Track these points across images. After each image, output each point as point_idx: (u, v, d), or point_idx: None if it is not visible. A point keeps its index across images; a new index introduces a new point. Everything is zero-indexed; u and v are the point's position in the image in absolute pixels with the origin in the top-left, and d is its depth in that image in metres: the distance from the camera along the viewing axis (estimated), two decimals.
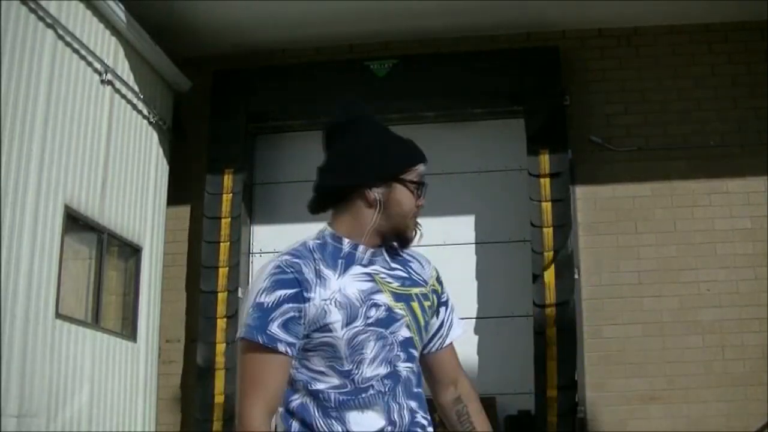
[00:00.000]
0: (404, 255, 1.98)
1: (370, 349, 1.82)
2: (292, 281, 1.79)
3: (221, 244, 6.44)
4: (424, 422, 1.89)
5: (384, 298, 1.85)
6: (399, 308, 1.87)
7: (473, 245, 6.55)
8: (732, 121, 6.43)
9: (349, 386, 1.81)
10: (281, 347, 1.76)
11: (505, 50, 6.70)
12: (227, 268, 6.39)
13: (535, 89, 6.46)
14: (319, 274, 1.82)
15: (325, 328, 1.79)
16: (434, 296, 1.99)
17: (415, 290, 1.92)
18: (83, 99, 5.45)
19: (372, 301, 1.84)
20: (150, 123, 6.44)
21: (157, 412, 6.32)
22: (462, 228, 6.54)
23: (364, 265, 1.87)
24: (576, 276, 6.17)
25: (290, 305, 1.78)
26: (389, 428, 1.81)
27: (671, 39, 6.65)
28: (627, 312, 6.13)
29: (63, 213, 5.11)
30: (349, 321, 1.79)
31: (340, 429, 1.78)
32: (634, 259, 6.22)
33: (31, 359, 4.66)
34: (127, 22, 5.84)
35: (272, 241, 6.73)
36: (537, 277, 6.06)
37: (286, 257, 1.84)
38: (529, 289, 6.12)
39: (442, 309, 2.03)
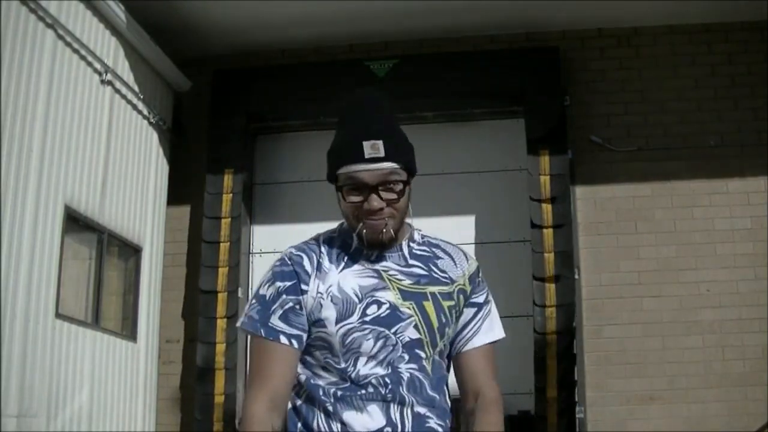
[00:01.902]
0: (435, 251, 1.89)
1: (368, 348, 1.75)
2: (291, 273, 1.79)
3: (221, 244, 6.44)
4: (438, 429, 1.79)
5: (388, 296, 1.78)
6: (406, 307, 1.78)
7: (473, 245, 6.54)
8: (732, 121, 6.43)
9: (346, 383, 1.75)
10: (283, 339, 1.75)
11: (505, 50, 6.70)
12: (227, 268, 6.39)
13: (535, 89, 6.46)
14: (319, 267, 1.79)
15: (320, 322, 1.76)
16: (461, 296, 1.87)
17: (433, 288, 1.82)
18: (83, 99, 5.45)
19: (373, 298, 1.77)
20: (150, 123, 6.44)
21: (157, 412, 6.32)
22: (462, 228, 6.54)
23: (372, 261, 1.81)
24: (576, 276, 6.17)
25: (288, 297, 1.77)
26: (388, 430, 1.73)
27: (671, 39, 6.65)
28: (627, 312, 6.13)
29: (63, 213, 5.11)
30: (343, 317, 1.74)
31: (338, 429, 1.73)
32: (634, 259, 6.22)
33: (31, 359, 4.66)
34: (127, 22, 5.84)
35: (272, 241, 6.73)
36: (537, 277, 6.06)
37: (291, 250, 1.84)
38: (529, 289, 6.12)
39: (469, 310, 1.90)
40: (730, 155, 6.35)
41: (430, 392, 1.79)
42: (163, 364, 6.45)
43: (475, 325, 1.89)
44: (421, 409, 1.76)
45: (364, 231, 1.76)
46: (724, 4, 6.32)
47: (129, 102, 6.12)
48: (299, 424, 1.77)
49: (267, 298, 1.79)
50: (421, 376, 1.78)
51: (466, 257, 1.93)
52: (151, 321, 6.31)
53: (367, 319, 1.75)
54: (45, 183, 4.93)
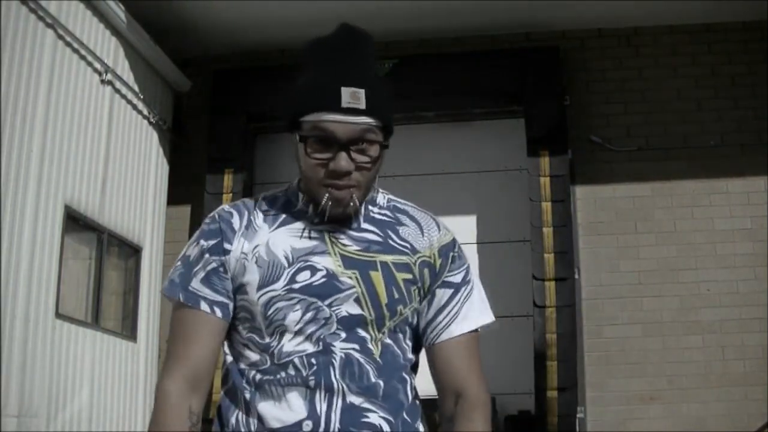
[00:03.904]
0: (400, 217, 1.58)
1: (294, 321, 1.45)
2: (216, 231, 1.52)
3: None
4: (382, 424, 1.45)
5: (326, 262, 1.47)
6: (347, 276, 1.47)
7: (473, 245, 6.54)
8: (732, 121, 6.43)
9: (267, 362, 1.46)
10: (204, 306, 1.48)
11: (505, 50, 6.70)
12: None
13: (535, 89, 6.46)
14: (249, 225, 1.52)
15: (242, 288, 1.48)
16: (425, 270, 1.53)
17: (385, 257, 1.50)
18: (83, 99, 5.45)
19: (306, 263, 1.47)
20: (150, 123, 6.44)
21: None
22: (462, 228, 6.54)
23: (315, 223, 1.52)
24: (576, 276, 6.17)
25: (211, 257, 1.49)
26: (308, 423, 1.41)
27: (671, 39, 6.65)
28: (627, 312, 6.13)
29: (63, 213, 5.10)
30: (266, 282, 1.46)
31: (254, 426, 1.45)
32: (634, 259, 6.22)
33: (31, 359, 4.66)
34: (127, 22, 5.84)
35: None
36: (537, 277, 6.06)
37: (222, 207, 1.58)
38: (529, 290, 6.12)
39: (443, 291, 1.56)
40: (730, 155, 6.34)
41: (372, 379, 1.46)
42: (163, 364, 6.45)
43: (451, 309, 1.55)
44: (356, 399, 1.44)
45: (329, 202, 1.46)
46: (724, 4, 6.32)
47: (129, 102, 6.12)
48: (217, 424, 1.53)
49: (190, 258, 1.52)
50: (361, 359, 1.46)
51: (438, 227, 1.60)
52: (151, 321, 6.30)
53: (296, 286, 1.46)
54: (45, 183, 4.93)
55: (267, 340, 1.47)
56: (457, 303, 1.56)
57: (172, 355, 1.50)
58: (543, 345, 5.91)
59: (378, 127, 1.47)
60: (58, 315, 4.97)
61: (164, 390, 1.46)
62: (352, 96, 1.43)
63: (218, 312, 1.49)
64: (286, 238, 1.50)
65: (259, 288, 1.46)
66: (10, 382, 4.44)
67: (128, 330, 6.03)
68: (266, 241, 1.50)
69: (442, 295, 1.56)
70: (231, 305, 1.50)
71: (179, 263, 1.54)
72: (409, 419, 1.51)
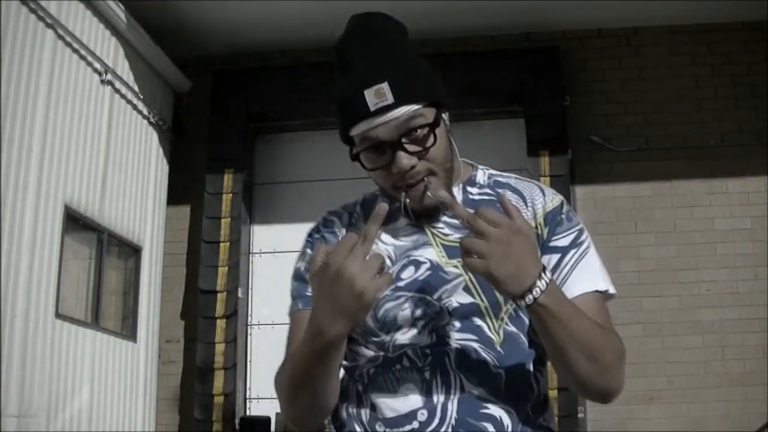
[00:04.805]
0: (502, 192, 1.48)
1: (405, 319, 1.40)
2: (320, 240, 1.51)
3: (221, 244, 6.44)
4: (502, 416, 1.35)
5: (430, 254, 1.43)
6: (452, 266, 1.41)
7: None
8: (732, 121, 6.43)
9: (381, 357, 1.41)
10: None
11: (505, 50, 6.70)
12: (227, 268, 6.39)
13: (535, 89, 6.46)
14: (351, 226, 1.52)
15: None
16: (534, 244, 1.35)
17: None
18: (83, 99, 5.45)
19: (410, 258, 1.43)
20: (150, 123, 6.44)
21: (157, 412, 6.32)
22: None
23: (411, 219, 1.47)
24: None
25: None
26: (423, 413, 1.34)
27: (671, 39, 6.65)
28: (627, 312, 6.13)
29: (63, 213, 5.10)
30: None
31: (367, 416, 1.39)
32: (634, 259, 6.22)
33: (31, 359, 4.66)
34: (127, 22, 5.84)
35: (272, 241, 6.73)
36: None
37: (325, 213, 1.57)
38: None
39: (548, 257, 1.42)
40: (730, 155, 6.34)
41: (493, 369, 1.37)
42: (163, 364, 6.45)
43: (561, 272, 1.41)
44: (475, 390, 1.35)
45: (408, 201, 1.40)
46: (724, 4, 6.32)
47: (129, 102, 6.12)
48: (329, 420, 1.48)
49: (300, 270, 1.51)
50: (479, 349, 1.38)
51: (544, 194, 1.50)
52: (151, 321, 6.31)
53: (402, 284, 1.41)
54: (45, 183, 4.93)
55: (381, 336, 1.42)
56: (567, 265, 1.43)
57: (287, 354, 1.46)
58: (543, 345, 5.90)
59: (421, 108, 1.40)
60: (58, 315, 4.97)
61: (278, 381, 1.43)
62: (377, 94, 1.38)
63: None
64: (387, 238, 1.47)
65: None
66: (10, 382, 4.43)
67: (128, 330, 6.03)
68: None
69: (548, 261, 1.43)
70: None
71: (291, 279, 1.52)
72: (532, 413, 1.40)
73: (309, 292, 1.43)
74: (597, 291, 1.42)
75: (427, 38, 6.82)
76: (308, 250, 1.53)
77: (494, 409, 1.35)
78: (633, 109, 6.56)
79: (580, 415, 5.87)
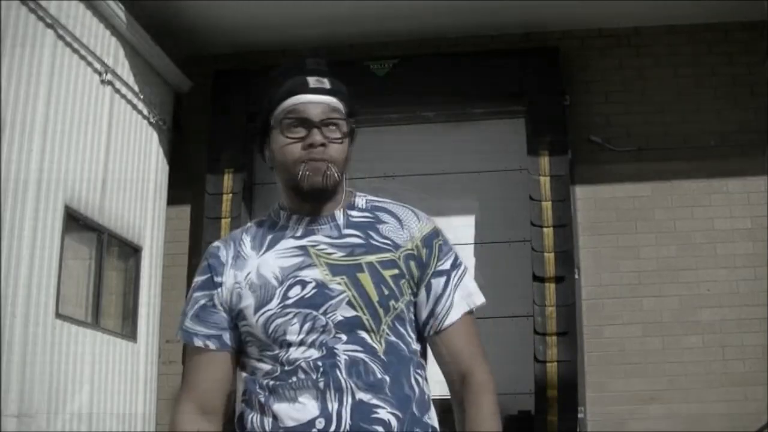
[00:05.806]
0: (380, 215, 1.65)
1: (294, 333, 1.54)
2: (205, 268, 1.65)
3: None
4: (390, 419, 1.51)
5: (314, 273, 1.56)
6: (336, 283, 1.55)
7: (473, 245, 6.54)
8: (732, 121, 6.42)
9: (278, 370, 1.55)
10: (197, 342, 1.61)
11: (505, 50, 6.70)
12: None
13: (535, 89, 6.46)
14: (237, 256, 1.63)
15: (241, 314, 1.58)
16: (411, 263, 1.61)
17: (370, 258, 1.58)
18: (83, 99, 5.45)
19: (296, 279, 1.56)
20: (150, 123, 6.44)
21: (157, 412, 6.32)
22: (462, 228, 6.54)
23: (297, 238, 1.61)
24: (576, 276, 6.17)
25: (200, 293, 1.63)
26: (321, 421, 1.49)
27: (671, 39, 6.65)
28: (627, 312, 6.13)
29: (63, 213, 5.11)
30: (261, 304, 1.56)
31: (269, 425, 1.53)
32: (634, 259, 6.22)
33: (31, 359, 4.66)
34: (127, 22, 5.84)
35: None
36: (537, 277, 6.06)
37: (212, 243, 1.72)
38: (529, 289, 6.12)
39: (437, 281, 1.63)
40: (730, 155, 6.34)
41: (379, 375, 1.53)
42: (163, 364, 6.45)
43: (448, 297, 1.62)
44: (365, 396, 1.51)
45: (307, 172, 1.55)
46: (724, 4, 6.32)
47: (129, 102, 6.12)
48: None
49: (189, 299, 1.67)
50: (366, 358, 1.53)
51: (418, 218, 1.67)
52: (151, 321, 6.31)
53: (289, 302, 1.55)
54: (45, 183, 4.93)
55: (276, 351, 1.56)
56: (452, 289, 1.64)
57: (182, 385, 1.65)
58: (543, 345, 5.91)
59: (343, 107, 1.63)
60: (58, 315, 4.97)
61: (175, 417, 1.63)
62: (318, 81, 1.61)
63: (211, 345, 1.61)
64: (273, 260, 1.60)
65: (256, 311, 1.56)
66: (10, 382, 4.44)
67: (128, 330, 6.04)
68: (256, 267, 1.60)
69: (436, 284, 1.63)
70: (228, 334, 1.61)
71: (185, 304, 1.68)
72: (417, 413, 1.57)
73: (187, 325, 1.63)
74: (471, 312, 1.66)
75: (427, 38, 6.83)
76: (196, 278, 1.67)
77: (383, 413, 1.51)
78: (633, 109, 6.56)
79: (580, 415, 5.87)
